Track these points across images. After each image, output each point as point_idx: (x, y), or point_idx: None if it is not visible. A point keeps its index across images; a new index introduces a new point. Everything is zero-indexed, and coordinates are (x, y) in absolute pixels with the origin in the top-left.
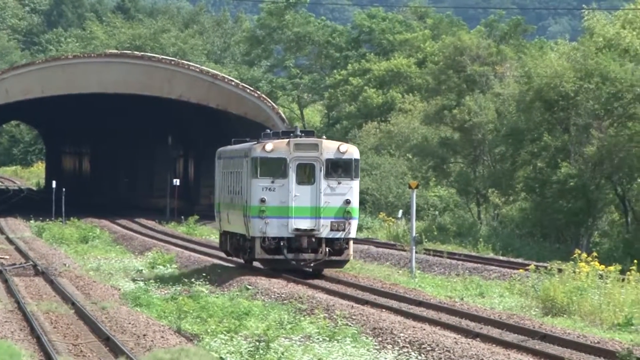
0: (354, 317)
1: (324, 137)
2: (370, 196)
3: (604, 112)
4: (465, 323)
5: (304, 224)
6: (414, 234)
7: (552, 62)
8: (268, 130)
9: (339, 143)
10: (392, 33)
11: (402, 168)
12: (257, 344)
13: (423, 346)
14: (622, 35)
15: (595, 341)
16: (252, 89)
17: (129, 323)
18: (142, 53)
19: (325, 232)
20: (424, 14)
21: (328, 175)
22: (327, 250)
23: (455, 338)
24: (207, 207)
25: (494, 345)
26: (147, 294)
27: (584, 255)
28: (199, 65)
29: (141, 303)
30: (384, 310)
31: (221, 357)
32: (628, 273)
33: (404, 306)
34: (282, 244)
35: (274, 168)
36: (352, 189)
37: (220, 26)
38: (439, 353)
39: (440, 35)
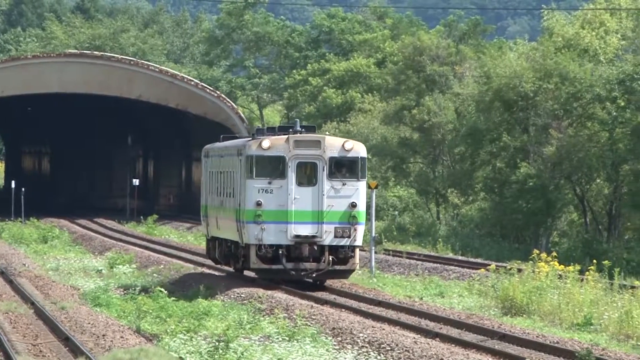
0: (313, 317)
1: (327, 133)
2: None
3: (563, 112)
4: (424, 323)
5: (305, 230)
6: (373, 234)
7: (512, 62)
8: (260, 125)
9: (343, 140)
10: (351, 33)
11: None
12: (217, 343)
13: (382, 346)
14: (581, 35)
15: (555, 341)
16: (211, 88)
17: (89, 323)
18: (102, 53)
19: (328, 239)
20: (383, 14)
21: (332, 175)
22: (331, 259)
23: (414, 338)
24: (166, 207)
25: (453, 345)
26: (107, 293)
27: (543, 255)
28: (158, 65)
29: (100, 303)
30: (343, 310)
31: (180, 357)
32: (587, 273)
33: (364, 306)
34: (280, 252)
35: (272, 167)
36: (358, 190)
37: (180, 26)
38: (399, 353)
39: (399, 35)
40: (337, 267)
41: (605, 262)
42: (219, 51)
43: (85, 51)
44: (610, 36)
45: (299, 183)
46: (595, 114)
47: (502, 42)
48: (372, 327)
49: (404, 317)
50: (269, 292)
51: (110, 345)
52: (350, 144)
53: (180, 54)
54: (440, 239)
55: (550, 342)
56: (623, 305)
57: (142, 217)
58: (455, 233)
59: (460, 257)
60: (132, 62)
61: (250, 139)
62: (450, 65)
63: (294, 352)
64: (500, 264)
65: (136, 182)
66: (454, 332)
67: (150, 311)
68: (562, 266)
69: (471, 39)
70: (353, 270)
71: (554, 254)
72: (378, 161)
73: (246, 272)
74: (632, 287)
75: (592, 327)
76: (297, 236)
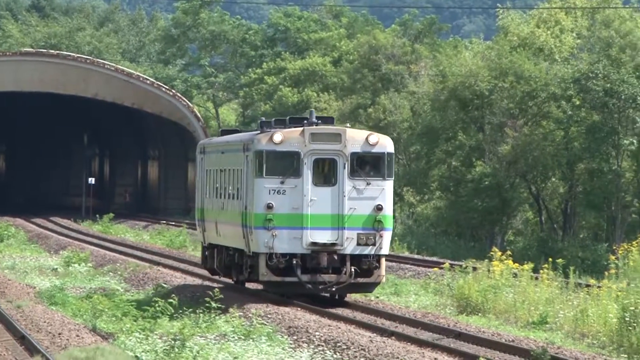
0: (269, 315)
1: (348, 125)
2: None
3: (519, 111)
4: (380, 322)
5: (323, 237)
6: None
7: (467, 61)
8: (263, 118)
9: (367, 132)
10: (307, 32)
11: None
12: (173, 342)
13: (338, 344)
14: (536, 34)
15: (510, 339)
16: (167, 87)
17: (45, 322)
18: (57, 52)
19: (350, 247)
20: (339, 13)
21: (354, 173)
22: (353, 270)
23: (370, 337)
24: (122, 206)
25: (408, 343)
26: (63, 292)
27: (499, 253)
28: (114, 64)
29: (56, 302)
30: (299, 309)
31: (136, 356)
32: (542, 271)
33: (319, 305)
34: (294, 262)
35: (285, 165)
36: (384, 191)
37: (136, 25)
38: (354, 351)
39: (355, 34)
40: (360, 280)
41: (560, 260)
42: (175, 50)
43: (41, 50)
44: (565, 35)
45: (316, 182)
46: (550, 113)
47: (457, 41)
48: (328, 325)
49: (360, 316)
50: (225, 291)
51: (66, 343)
52: (375, 137)
53: (136, 52)
54: (396, 238)
55: (505, 341)
56: (578, 304)
57: (98, 215)
58: (411, 232)
59: (416, 256)
60: (87, 61)
61: (259, 131)
62: (405, 64)
63: (249, 351)
64: (455, 262)
65: (92, 180)
66: (409, 331)
67: (106, 310)
68: (517, 264)
69: (426, 38)
70: (378, 284)
71: (509, 252)
72: None
73: (248, 285)
74: (587, 286)
75: (547, 325)
76: (314, 244)
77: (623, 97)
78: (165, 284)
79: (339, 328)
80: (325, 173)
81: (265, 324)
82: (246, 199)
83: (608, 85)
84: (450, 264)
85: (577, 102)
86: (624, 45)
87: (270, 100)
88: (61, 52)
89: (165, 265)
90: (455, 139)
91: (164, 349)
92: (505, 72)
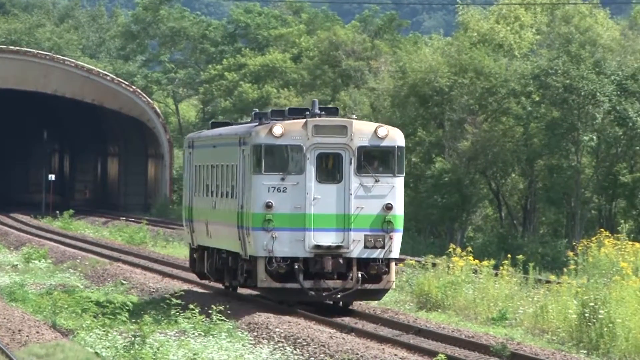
0: (229, 312)
1: (354, 116)
2: None
3: (478, 107)
4: (340, 318)
5: (327, 239)
6: None
7: (427, 57)
8: (256, 110)
9: (376, 124)
10: (267, 28)
11: None
12: (133, 339)
13: (298, 341)
14: (496, 30)
15: (470, 335)
16: (127, 83)
17: (4, 318)
18: (17, 48)
19: (357, 250)
20: (299, 9)
21: (361, 169)
22: (360, 275)
23: (330, 333)
24: (82, 202)
25: (368, 339)
26: (23, 288)
27: (458, 249)
28: (74, 60)
29: (16, 298)
30: (258, 305)
31: (96, 352)
32: (501, 267)
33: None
34: (296, 267)
35: (285, 160)
36: (394, 189)
37: (96, 21)
38: (314, 348)
39: (315, 30)
40: (368, 286)
41: (520, 256)
42: (135, 46)
43: (0, 46)
44: (525, 31)
45: (320, 179)
46: (510, 109)
47: (417, 37)
48: (288, 322)
49: (320, 312)
50: (185, 287)
51: (26, 340)
52: (384, 129)
53: (96, 48)
54: None
55: (465, 337)
56: (538, 300)
57: (58, 212)
58: None
59: None
60: (48, 57)
61: (257, 123)
62: (365, 60)
63: (209, 347)
64: (415, 258)
65: (52, 177)
66: (369, 327)
67: (66, 306)
68: (476, 261)
69: (386, 34)
70: (387, 290)
71: (469, 248)
72: None
73: (241, 290)
74: (547, 282)
75: (507, 321)
76: (318, 246)
77: (582, 93)
78: (125, 280)
79: (299, 324)
80: (330, 169)
81: (226, 320)
82: (243, 197)
83: (568, 81)
84: (410, 260)
85: (537, 98)
86: (584, 41)
87: (230, 96)
88: (21, 48)
89: (125, 262)
90: (415, 135)
91: (124, 346)
92: (465, 68)
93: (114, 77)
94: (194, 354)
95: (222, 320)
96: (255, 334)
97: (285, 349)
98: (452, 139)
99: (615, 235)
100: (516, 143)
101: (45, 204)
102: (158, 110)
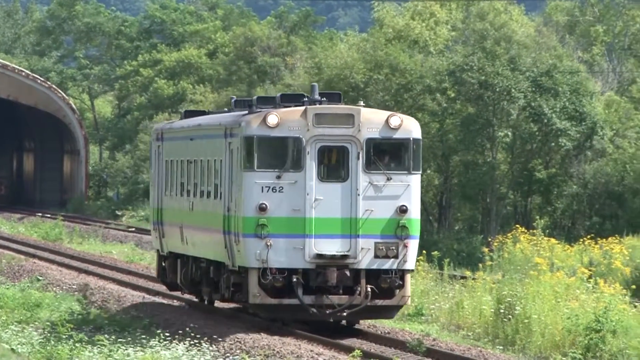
0: (145, 307)
1: (362, 103)
2: None
3: (394, 103)
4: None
5: (331, 247)
6: None
7: (342, 53)
8: (234, 97)
9: (387, 113)
10: (182, 24)
11: None
12: (49, 335)
13: (214, 336)
14: (411, 26)
15: (386, 331)
16: (42, 79)
17: None
18: None
19: (366, 260)
20: (214, 5)
21: (371, 165)
22: (369, 289)
23: (246, 328)
24: None
25: (285, 336)
26: None
27: None
28: None
29: None
30: (175, 301)
31: (12, 349)
32: (417, 263)
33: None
34: (294, 279)
35: (282, 154)
36: (409, 188)
37: (11, 17)
38: (230, 344)
39: (231, 26)
40: (379, 302)
41: (436, 252)
42: (50, 42)
43: None
44: (440, 27)
45: (322, 177)
46: (425, 105)
47: (332, 33)
48: (205, 318)
49: (236, 307)
50: (101, 284)
51: None
52: (397, 118)
53: (11, 44)
54: None
55: (381, 333)
56: (454, 296)
57: None
58: None
59: None
60: None
61: (246, 112)
62: (281, 56)
63: (125, 343)
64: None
65: None
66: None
67: None
68: None
69: (302, 30)
70: (401, 307)
71: None
72: None
73: (217, 304)
74: (463, 278)
75: (423, 317)
76: (320, 256)
77: (498, 89)
78: (41, 276)
79: (214, 320)
80: (334, 165)
81: (142, 317)
82: (230, 198)
83: (483, 77)
84: None
85: (452, 95)
86: (499, 37)
87: (145, 92)
88: None
89: (41, 258)
90: None
91: (40, 342)
92: (381, 64)
93: (30, 72)
94: (109, 350)
95: (138, 316)
96: (171, 329)
97: (202, 345)
98: None
99: (530, 231)
100: (431, 139)
101: None
102: (74, 106)
